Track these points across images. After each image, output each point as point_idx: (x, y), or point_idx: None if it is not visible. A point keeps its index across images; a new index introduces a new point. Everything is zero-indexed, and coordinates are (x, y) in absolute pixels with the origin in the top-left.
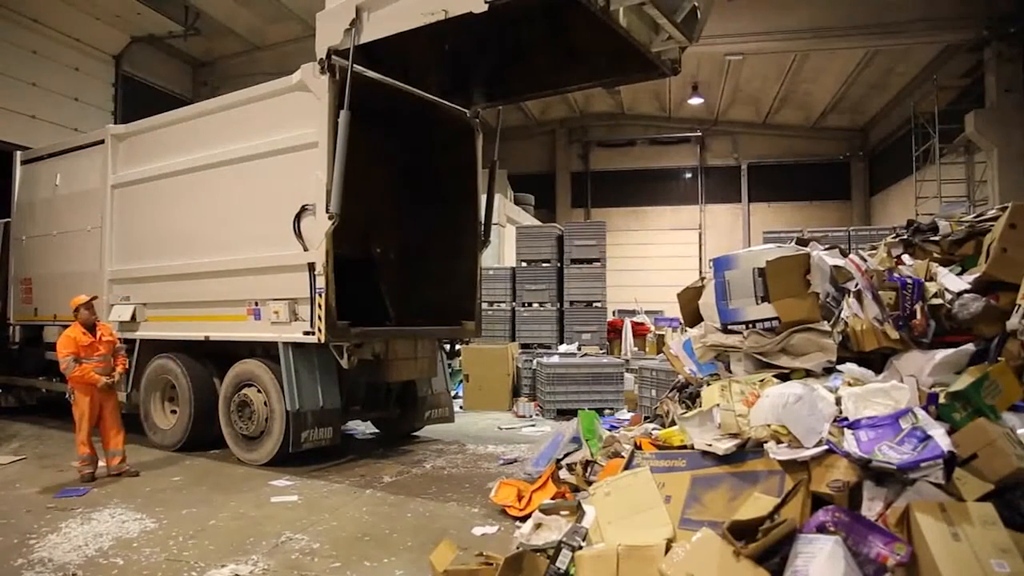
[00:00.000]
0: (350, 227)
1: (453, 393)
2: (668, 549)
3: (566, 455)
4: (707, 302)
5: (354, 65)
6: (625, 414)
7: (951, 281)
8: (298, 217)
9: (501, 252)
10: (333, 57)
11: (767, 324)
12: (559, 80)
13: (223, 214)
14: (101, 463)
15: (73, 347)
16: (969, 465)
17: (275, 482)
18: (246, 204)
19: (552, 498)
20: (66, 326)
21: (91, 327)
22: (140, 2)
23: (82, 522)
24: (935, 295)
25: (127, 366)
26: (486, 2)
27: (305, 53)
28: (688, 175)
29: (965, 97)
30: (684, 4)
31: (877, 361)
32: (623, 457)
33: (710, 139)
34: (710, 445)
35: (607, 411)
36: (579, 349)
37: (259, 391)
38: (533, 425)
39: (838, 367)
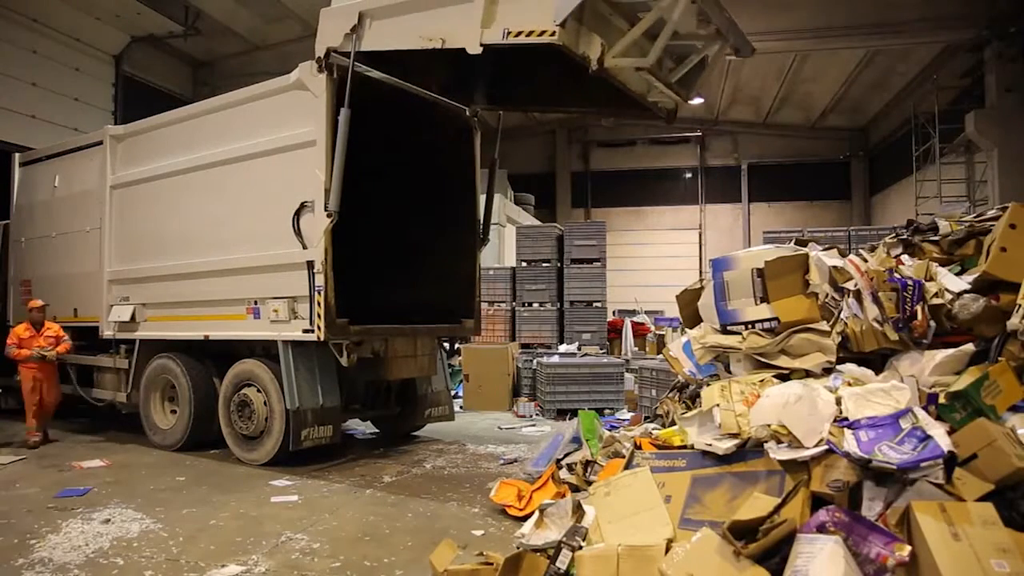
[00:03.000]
0: (348, 225)
1: (453, 393)
2: (668, 549)
3: (566, 455)
4: (706, 303)
5: (353, 64)
6: (625, 414)
7: (951, 281)
8: (297, 214)
9: (501, 252)
10: (332, 55)
11: (766, 325)
12: (559, 99)
13: (222, 213)
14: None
15: (14, 339)
16: (969, 465)
17: (275, 482)
18: (245, 203)
19: (552, 498)
20: (66, 327)
21: (37, 324)
22: (140, 2)
23: (82, 522)
24: (935, 295)
25: (68, 349)
26: (481, 45)
27: (305, 53)
28: (688, 175)
29: (965, 97)
30: (679, 68)
31: (877, 361)
32: (623, 457)
33: (710, 139)
34: (710, 445)
35: (607, 411)
36: (579, 349)
37: (259, 391)
38: (533, 425)
39: (838, 367)
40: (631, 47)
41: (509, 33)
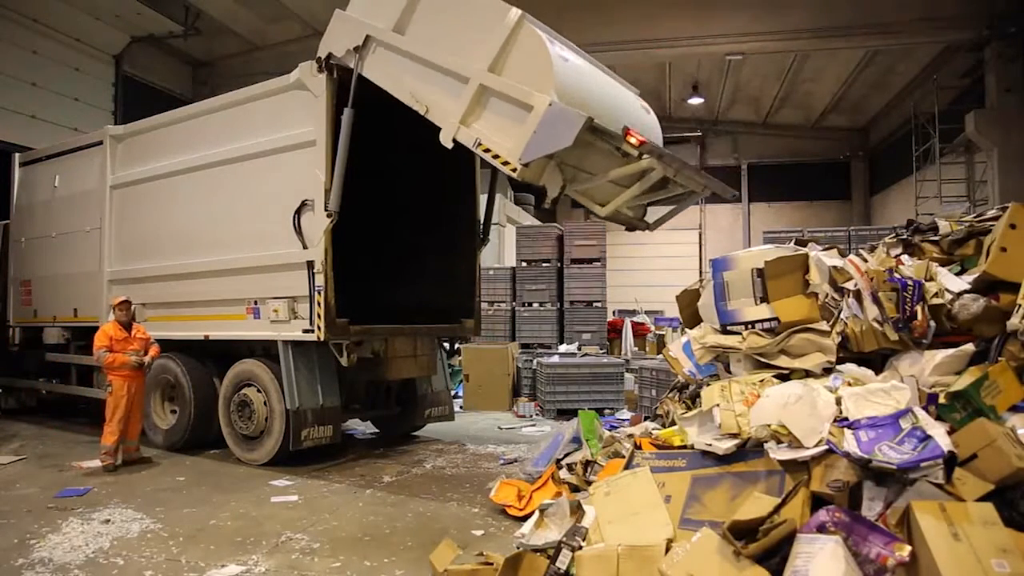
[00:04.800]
0: (348, 224)
1: (453, 393)
2: (668, 549)
3: (566, 455)
4: (706, 303)
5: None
6: (625, 414)
7: (951, 281)
8: (298, 213)
9: (501, 252)
10: (332, 57)
11: (766, 325)
12: None
13: (222, 213)
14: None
15: (106, 341)
16: (969, 465)
17: (275, 482)
18: (245, 203)
19: (552, 498)
20: (66, 327)
21: (126, 325)
22: (140, 2)
23: (82, 522)
24: (935, 295)
25: (159, 354)
26: (453, 140)
27: (305, 53)
28: None
29: (965, 97)
30: (652, 194)
31: (877, 361)
32: (623, 457)
33: (710, 139)
34: (710, 445)
35: (607, 411)
36: (579, 349)
37: (259, 391)
38: (533, 425)
39: (838, 367)
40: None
41: (479, 145)
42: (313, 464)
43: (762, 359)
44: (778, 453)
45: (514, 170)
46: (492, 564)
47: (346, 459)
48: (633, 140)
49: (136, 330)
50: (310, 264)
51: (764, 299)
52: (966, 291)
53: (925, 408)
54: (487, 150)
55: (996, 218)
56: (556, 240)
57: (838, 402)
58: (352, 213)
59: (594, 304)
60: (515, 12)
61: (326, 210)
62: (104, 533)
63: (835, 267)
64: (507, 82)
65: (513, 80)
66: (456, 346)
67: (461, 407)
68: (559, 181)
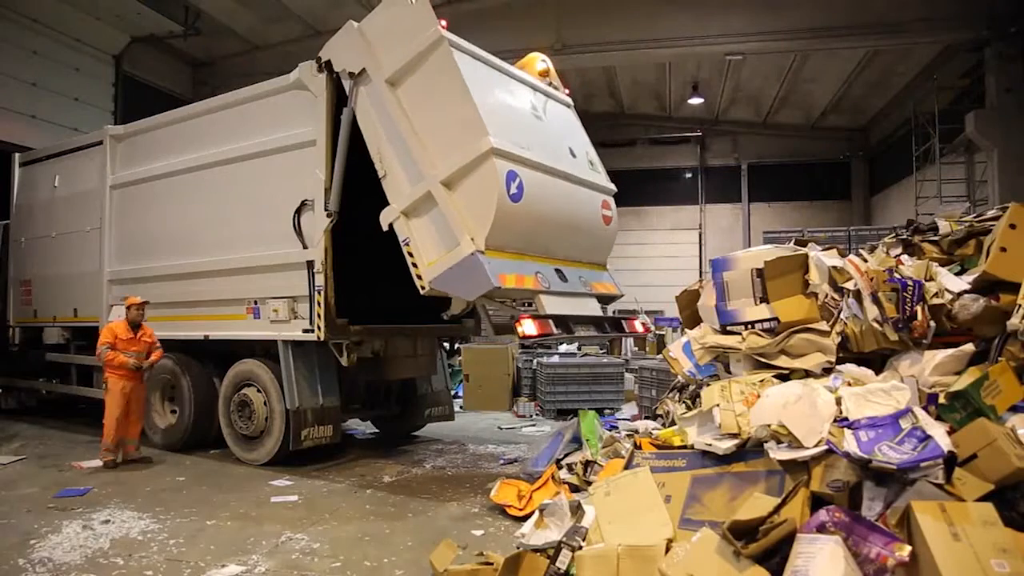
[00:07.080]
0: (348, 224)
1: (453, 393)
2: (668, 549)
3: (566, 455)
4: (706, 303)
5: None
6: (626, 413)
7: (951, 281)
8: (298, 212)
9: None
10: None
11: (766, 325)
12: None
13: (222, 213)
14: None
15: (111, 338)
16: (969, 465)
17: (275, 482)
18: (244, 203)
19: (552, 498)
20: (66, 327)
21: (135, 326)
22: (140, 2)
23: (82, 522)
24: (935, 295)
25: (160, 358)
26: (388, 224)
27: (305, 53)
28: (688, 175)
29: (965, 97)
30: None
31: (877, 361)
32: (623, 457)
33: (710, 139)
34: (710, 445)
35: (607, 411)
36: (579, 349)
37: (259, 391)
38: (533, 425)
39: (838, 367)
40: None
41: (407, 244)
42: (313, 464)
43: (762, 359)
44: (778, 453)
45: (423, 287)
46: (492, 564)
47: (346, 459)
48: (520, 331)
49: (143, 332)
50: (310, 264)
51: (764, 299)
52: (966, 291)
53: (925, 408)
54: (410, 253)
55: (996, 218)
56: None
57: (838, 402)
58: (352, 213)
59: None
60: (486, 142)
61: (326, 210)
62: (104, 533)
63: (835, 267)
64: (451, 205)
65: (460, 201)
66: (456, 346)
67: (461, 407)
68: (463, 304)
